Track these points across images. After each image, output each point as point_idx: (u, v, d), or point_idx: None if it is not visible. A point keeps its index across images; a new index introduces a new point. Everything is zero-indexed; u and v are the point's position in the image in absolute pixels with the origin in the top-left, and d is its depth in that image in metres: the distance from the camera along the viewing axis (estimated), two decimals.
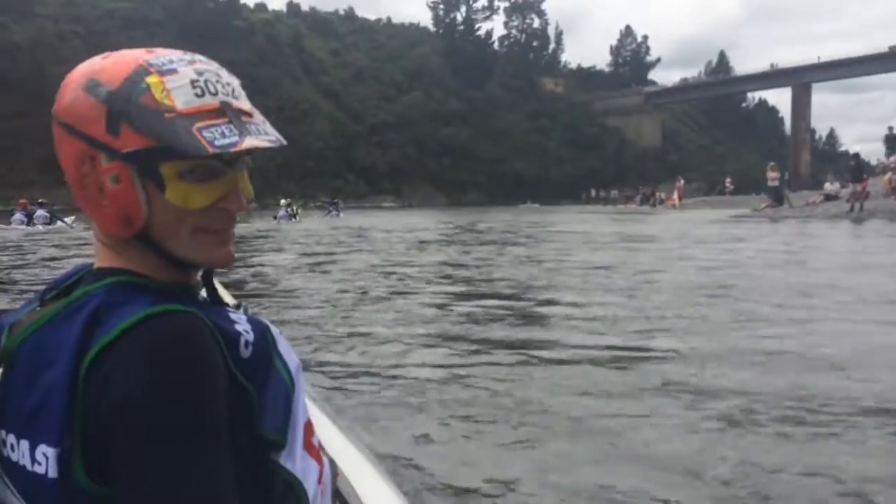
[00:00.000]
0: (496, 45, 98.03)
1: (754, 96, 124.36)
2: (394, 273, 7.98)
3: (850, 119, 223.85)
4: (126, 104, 0.74)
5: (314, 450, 0.87)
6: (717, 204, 31.62)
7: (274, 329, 0.85)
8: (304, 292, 6.53)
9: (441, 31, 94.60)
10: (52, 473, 0.70)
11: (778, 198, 22.81)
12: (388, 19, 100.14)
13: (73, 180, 0.78)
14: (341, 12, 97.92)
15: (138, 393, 0.66)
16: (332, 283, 7.16)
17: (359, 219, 26.49)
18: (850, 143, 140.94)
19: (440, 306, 5.63)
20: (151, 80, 0.76)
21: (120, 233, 0.79)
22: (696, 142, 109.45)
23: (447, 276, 7.68)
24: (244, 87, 0.82)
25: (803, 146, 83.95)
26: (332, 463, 0.98)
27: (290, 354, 0.85)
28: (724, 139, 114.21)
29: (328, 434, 1.22)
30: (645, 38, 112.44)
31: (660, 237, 13.74)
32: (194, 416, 0.68)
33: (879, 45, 79.34)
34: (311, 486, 0.83)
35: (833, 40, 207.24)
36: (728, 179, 40.24)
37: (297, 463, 0.81)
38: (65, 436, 0.69)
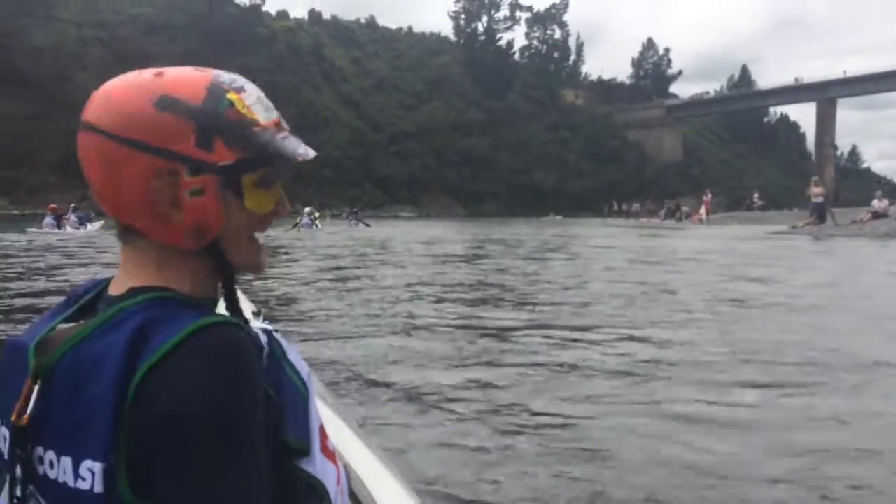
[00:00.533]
0: (517, 56, 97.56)
1: (776, 111, 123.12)
2: (431, 294, 7.16)
3: (872, 136, 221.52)
4: (215, 119, 0.78)
5: (330, 453, 0.89)
6: (746, 220, 30.58)
7: (280, 336, 0.87)
8: (332, 314, 5.76)
9: (462, 40, 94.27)
10: (98, 489, 0.71)
11: (821, 215, 21.78)
12: (410, 28, 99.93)
13: (136, 196, 0.78)
14: (363, 21, 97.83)
15: (195, 406, 0.68)
16: (363, 305, 6.37)
17: (381, 229, 25.78)
18: (872, 160, 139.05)
19: (500, 337, 4.83)
20: (232, 96, 0.79)
21: (188, 245, 0.80)
22: (718, 156, 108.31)
23: (495, 301, 6.82)
24: (266, 94, 0.84)
25: (828, 162, 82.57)
26: (346, 466, 1.02)
27: (300, 361, 0.88)
28: (746, 154, 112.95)
29: (342, 436, 1.24)
30: (667, 50, 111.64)
31: (707, 254, 12.83)
32: (245, 427, 0.70)
33: None
34: (331, 488, 0.86)
35: (856, 55, 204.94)
36: (756, 195, 39.18)
37: (318, 466, 0.84)
38: (110, 451, 0.70)
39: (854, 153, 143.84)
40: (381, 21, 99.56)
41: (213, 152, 0.77)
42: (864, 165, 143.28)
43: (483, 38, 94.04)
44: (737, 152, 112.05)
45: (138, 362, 0.71)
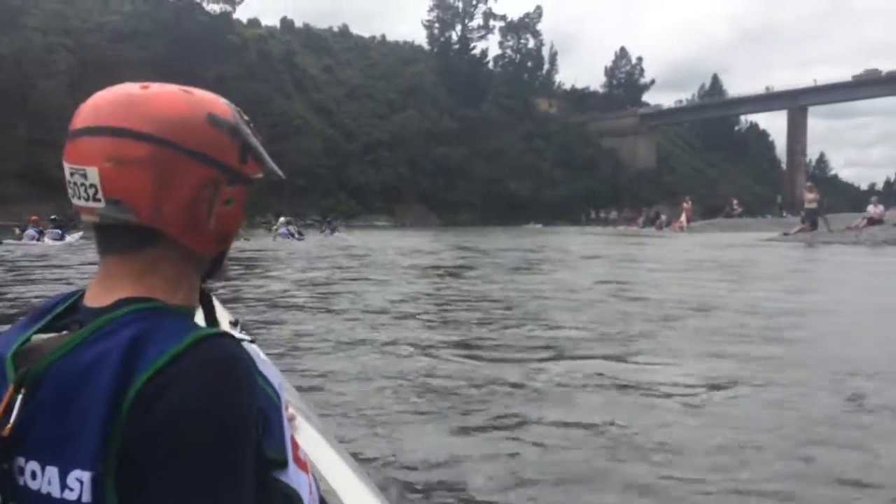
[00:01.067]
0: (491, 65, 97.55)
1: (747, 120, 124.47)
2: (424, 312, 6.60)
3: (838, 144, 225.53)
4: (247, 138, 0.88)
5: (302, 463, 0.91)
6: (727, 227, 30.40)
7: (251, 345, 0.90)
8: (317, 336, 5.20)
9: (436, 49, 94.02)
10: (87, 498, 0.71)
11: (814, 221, 21.26)
12: (383, 37, 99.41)
13: (184, 203, 0.83)
14: (335, 29, 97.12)
15: (195, 416, 0.70)
16: (345, 323, 5.82)
17: (358, 239, 25.18)
18: (839, 167, 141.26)
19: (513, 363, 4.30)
20: (244, 117, 0.89)
21: (212, 250, 0.88)
22: (690, 164, 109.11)
23: (488, 319, 6.28)
24: (237, 102, 0.93)
25: (799, 170, 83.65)
26: (317, 475, 1.04)
27: (271, 370, 0.90)
28: (718, 162, 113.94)
29: (313, 445, 1.23)
30: (639, 59, 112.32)
31: (712, 262, 12.36)
32: (242, 438, 0.73)
33: (870, 69, 79.12)
34: (305, 497, 0.87)
35: (824, 65, 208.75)
36: (735, 201, 39.26)
37: (292, 476, 0.86)
38: (101, 460, 0.70)
39: (822, 161, 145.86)
40: (354, 29, 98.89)
41: (247, 166, 0.88)
42: (832, 173, 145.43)
43: (457, 46, 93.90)
44: (709, 160, 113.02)
45: (134, 372, 0.72)
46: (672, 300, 7.17)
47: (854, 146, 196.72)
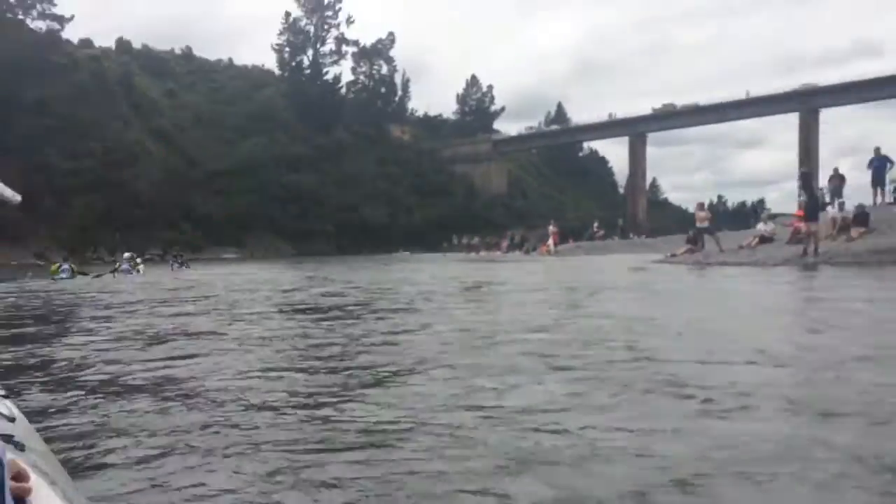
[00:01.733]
0: (344, 91, 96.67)
1: (588, 147, 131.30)
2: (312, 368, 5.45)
3: (666, 170, 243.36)
4: None
5: None
6: (594, 250, 31.09)
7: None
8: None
9: (286, 74, 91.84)
10: None
11: (699, 240, 21.06)
12: (230, 60, 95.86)
13: None
14: (178, 51, 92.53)
15: None
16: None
17: (206, 273, 23.14)
18: (668, 191, 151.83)
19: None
20: None
21: None
22: (539, 189, 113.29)
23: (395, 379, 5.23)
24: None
25: (641, 194, 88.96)
26: None
27: None
28: (565, 187, 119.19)
29: None
30: (490, 87, 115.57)
31: (631, 287, 11.91)
32: None
33: (697, 100, 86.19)
34: None
35: (654, 97, 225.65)
36: (596, 224, 40.73)
37: None
38: None
39: (654, 185, 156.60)
40: (199, 52, 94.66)
41: None
42: (663, 196, 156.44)
43: (308, 71, 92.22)
44: (556, 186, 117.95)
45: None
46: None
47: (679, 172, 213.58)
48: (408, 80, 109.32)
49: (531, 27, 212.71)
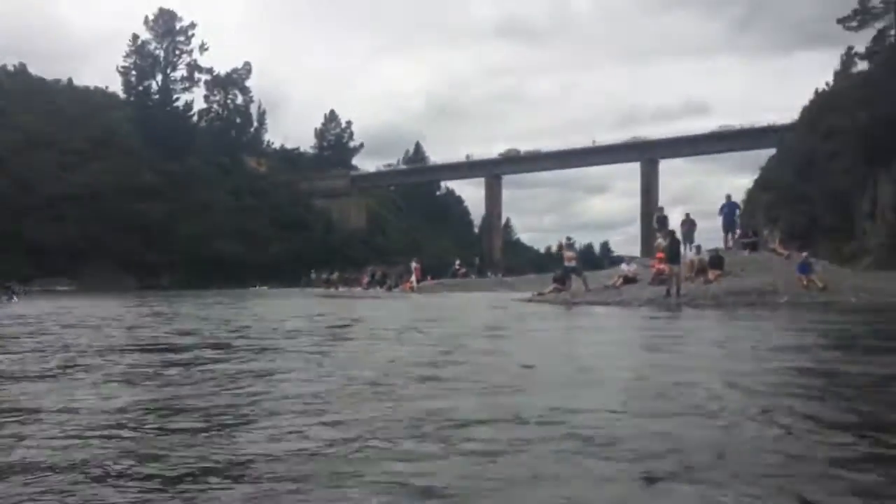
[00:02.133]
0: (196, 119, 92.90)
1: (446, 186, 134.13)
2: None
3: (517, 211, 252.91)
4: None
5: None
6: (455, 287, 31.00)
7: None
8: None
9: (133, 98, 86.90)
10: None
11: (566, 280, 20.93)
12: (70, 81, 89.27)
13: None
14: (10, 68, 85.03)
15: None
16: None
17: (41, 306, 20.60)
18: (520, 231, 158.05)
19: None
20: None
21: None
22: (397, 226, 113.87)
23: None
24: None
25: (497, 233, 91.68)
26: None
27: None
28: (422, 225, 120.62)
29: None
30: (349, 123, 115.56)
31: (506, 327, 11.47)
32: None
33: (549, 146, 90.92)
34: None
35: (505, 142, 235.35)
36: (458, 262, 40.88)
37: None
38: None
39: (508, 225, 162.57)
40: (34, 70, 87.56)
41: None
42: (516, 237, 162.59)
43: (157, 97, 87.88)
44: (414, 223, 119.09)
45: None
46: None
47: (529, 213, 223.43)
48: (264, 112, 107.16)
49: (386, 67, 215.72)
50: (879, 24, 45.37)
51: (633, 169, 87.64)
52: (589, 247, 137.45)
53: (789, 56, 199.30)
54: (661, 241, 22.68)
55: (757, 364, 6.08)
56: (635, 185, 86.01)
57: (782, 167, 49.43)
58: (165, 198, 74.72)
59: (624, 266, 21.53)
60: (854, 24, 45.70)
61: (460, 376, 5.44)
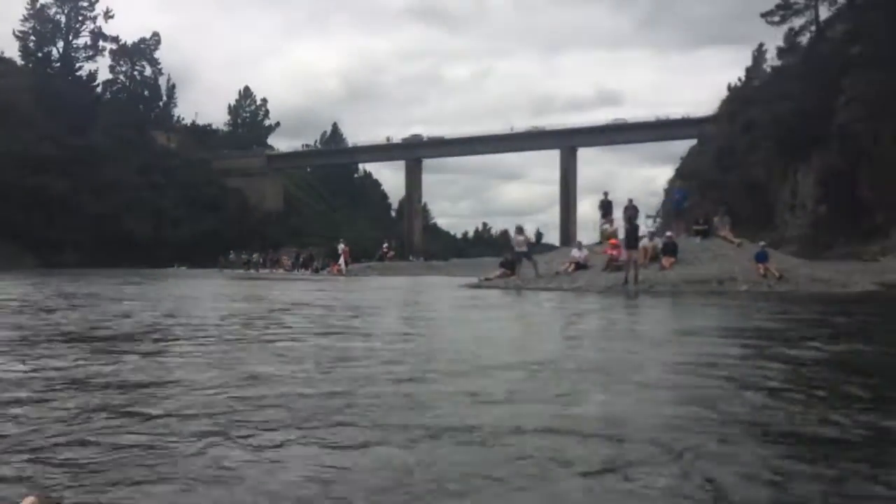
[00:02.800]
0: (101, 90, 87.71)
1: (364, 168, 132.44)
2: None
3: (433, 196, 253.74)
4: None
5: None
6: (386, 270, 30.51)
7: None
8: None
9: (31, 65, 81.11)
10: None
11: (514, 265, 20.54)
12: None
13: None
14: None
15: None
16: None
17: None
18: (437, 216, 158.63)
19: None
20: None
21: None
22: (314, 208, 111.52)
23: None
24: None
25: (416, 217, 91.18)
26: None
27: None
28: (339, 207, 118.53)
29: None
30: (264, 101, 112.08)
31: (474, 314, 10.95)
32: None
33: (467, 131, 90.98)
34: None
35: (424, 125, 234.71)
36: (385, 245, 40.19)
37: None
38: None
39: (425, 210, 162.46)
40: None
41: None
42: (433, 221, 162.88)
43: (58, 65, 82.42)
44: (331, 205, 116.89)
45: None
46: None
47: (445, 198, 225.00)
48: (174, 86, 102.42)
49: (300, 47, 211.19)
50: (800, 20, 47.30)
51: (550, 156, 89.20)
52: (504, 232, 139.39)
53: (695, 52, 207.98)
54: (607, 227, 22.84)
55: None
56: (551, 172, 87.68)
57: (702, 157, 51.31)
58: (68, 173, 70.09)
59: (575, 252, 21.01)
60: (776, 18, 47.50)
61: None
